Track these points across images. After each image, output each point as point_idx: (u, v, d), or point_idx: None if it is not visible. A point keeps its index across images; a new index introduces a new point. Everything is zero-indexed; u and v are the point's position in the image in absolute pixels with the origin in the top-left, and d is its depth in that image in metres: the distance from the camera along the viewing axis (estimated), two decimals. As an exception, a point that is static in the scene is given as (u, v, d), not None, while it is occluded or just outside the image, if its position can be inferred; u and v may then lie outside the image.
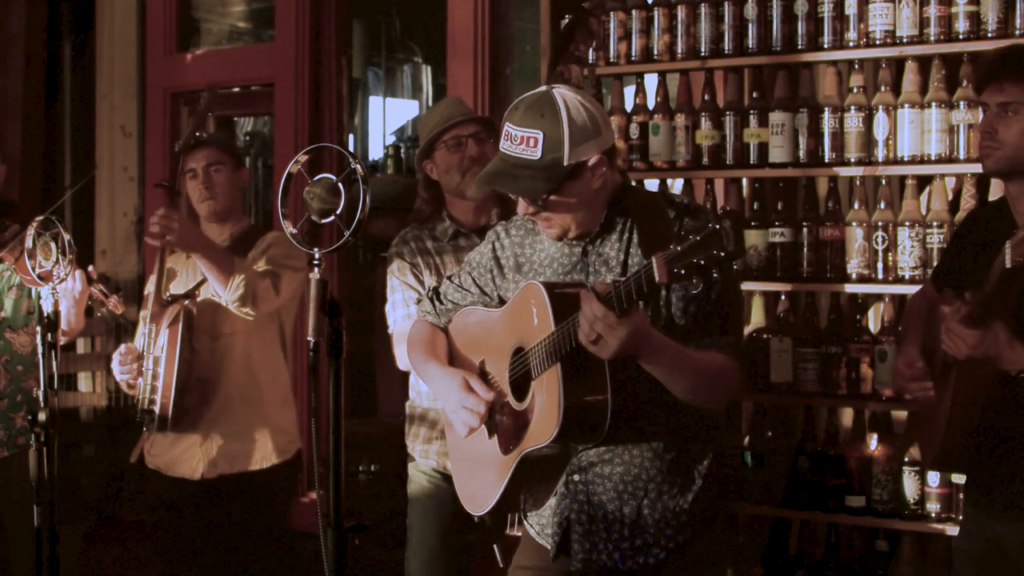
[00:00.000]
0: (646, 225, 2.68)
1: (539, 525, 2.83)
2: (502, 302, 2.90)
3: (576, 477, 2.73)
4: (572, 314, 2.50)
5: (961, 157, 3.73)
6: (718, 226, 2.24)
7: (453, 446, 3.04)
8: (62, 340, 3.88)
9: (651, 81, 4.31)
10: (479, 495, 2.90)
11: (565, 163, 2.59)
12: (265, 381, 3.85)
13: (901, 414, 3.85)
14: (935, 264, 3.11)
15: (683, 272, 2.27)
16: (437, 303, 3.05)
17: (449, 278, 3.05)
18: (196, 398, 3.73)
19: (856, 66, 3.96)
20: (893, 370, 2.90)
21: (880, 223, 3.85)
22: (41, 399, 3.18)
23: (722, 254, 2.24)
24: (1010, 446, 2.61)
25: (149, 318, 3.68)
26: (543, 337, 2.60)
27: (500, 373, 2.81)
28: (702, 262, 2.25)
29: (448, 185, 3.62)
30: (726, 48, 4.08)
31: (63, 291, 3.65)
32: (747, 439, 4.09)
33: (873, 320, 4.03)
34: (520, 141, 2.60)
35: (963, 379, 2.54)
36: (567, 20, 4.10)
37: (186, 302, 3.67)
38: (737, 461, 4.03)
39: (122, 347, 3.73)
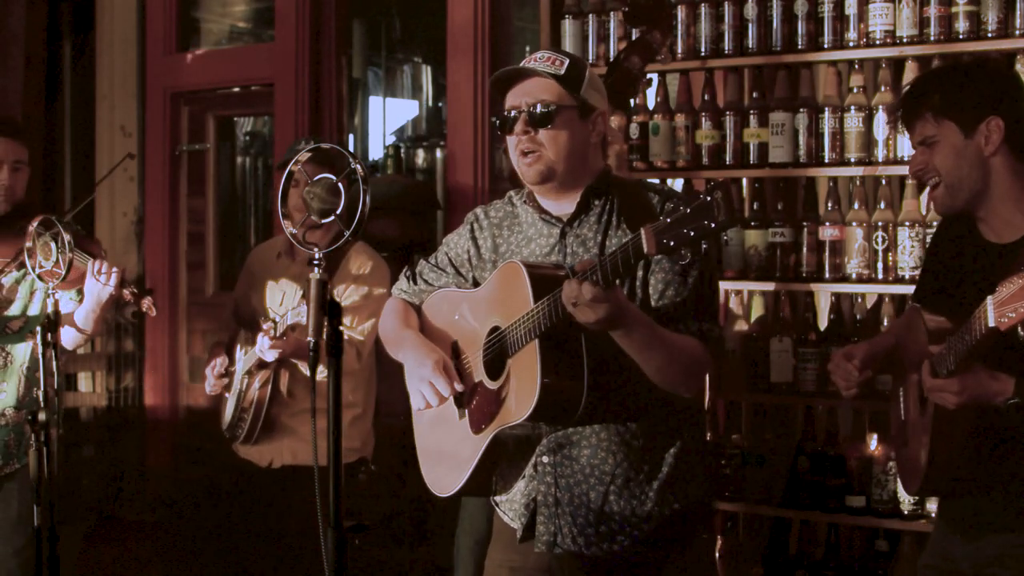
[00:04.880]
0: (628, 209, 2.71)
1: (511, 511, 2.83)
2: (477, 285, 2.89)
3: (545, 459, 2.73)
4: (551, 294, 2.51)
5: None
6: (709, 197, 2.23)
7: (420, 429, 3.01)
8: (79, 345, 3.86)
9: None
10: (446, 477, 2.89)
11: (581, 92, 2.71)
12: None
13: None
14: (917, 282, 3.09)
15: (672, 244, 2.25)
16: (412, 283, 3.04)
17: (427, 259, 3.04)
18: (278, 407, 4.12)
19: (856, 66, 3.96)
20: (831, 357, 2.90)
21: (880, 223, 3.85)
22: (41, 399, 3.17)
23: (713, 225, 2.22)
24: (993, 470, 2.59)
25: (245, 371, 4.11)
26: (521, 315, 2.60)
27: (474, 353, 2.80)
28: (692, 233, 2.23)
29: None
30: (726, 48, 4.08)
31: (90, 290, 3.62)
32: (735, 437, 4.09)
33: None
34: (547, 59, 2.74)
35: (943, 409, 2.52)
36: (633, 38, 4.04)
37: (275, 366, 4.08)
38: (718, 460, 4.03)
39: (217, 363, 4.18)
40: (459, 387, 2.78)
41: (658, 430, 2.71)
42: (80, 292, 3.73)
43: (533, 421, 2.63)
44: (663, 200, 2.70)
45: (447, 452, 2.88)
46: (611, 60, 4.04)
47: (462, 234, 2.96)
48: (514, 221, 2.87)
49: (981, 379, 2.43)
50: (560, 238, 2.75)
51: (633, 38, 3.97)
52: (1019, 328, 2.20)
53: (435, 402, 2.79)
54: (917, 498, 3.76)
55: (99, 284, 3.62)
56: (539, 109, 2.69)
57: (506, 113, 2.75)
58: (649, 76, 4.07)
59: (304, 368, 4.04)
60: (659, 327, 2.57)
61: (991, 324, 2.23)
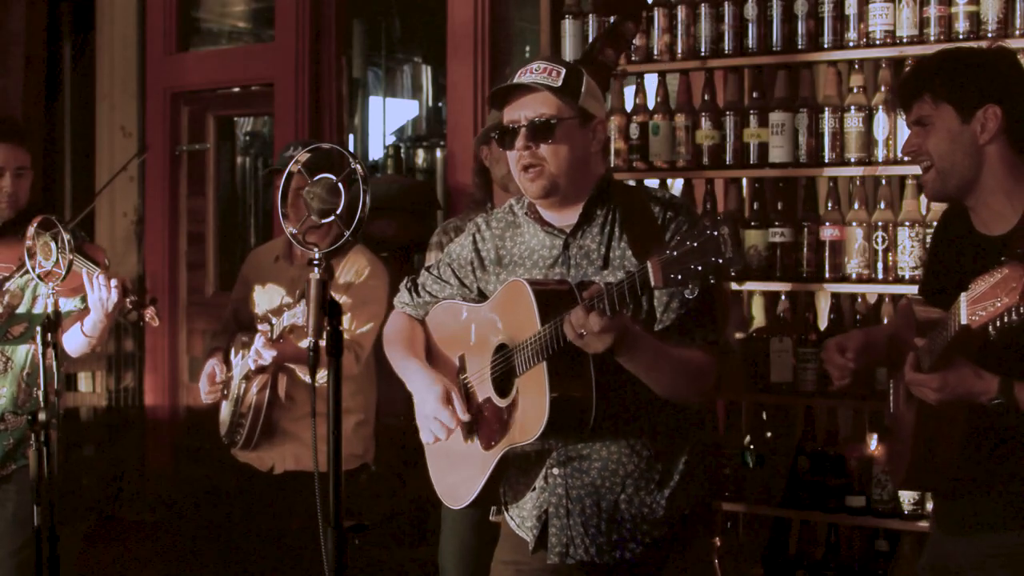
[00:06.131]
0: (631, 219, 2.70)
1: (519, 518, 2.83)
2: (481, 295, 2.89)
3: (555, 471, 2.73)
4: (557, 312, 2.51)
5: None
6: (716, 232, 2.23)
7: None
8: (85, 353, 3.85)
9: (651, 81, 4.31)
10: (458, 489, 2.90)
11: (580, 101, 2.68)
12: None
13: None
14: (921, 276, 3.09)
15: (679, 277, 2.27)
16: (415, 295, 3.02)
17: (428, 269, 3.02)
18: (278, 412, 4.07)
19: (856, 66, 3.96)
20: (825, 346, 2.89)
21: (880, 223, 3.85)
22: (41, 399, 3.16)
23: (720, 261, 2.23)
24: (979, 467, 2.59)
25: (242, 375, 4.06)
26: (528, 335, 2.60)
27: (481, 369, 2.80)
28: (699, 268, 2.25)
29: (495, 175, 3.65)
30: (726, 48, 4.08)
31: (94, 302, 3.59)
32: (747, 439, 4.09)
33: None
34: (543, 71, 2.70)
35: (926, 403, 2.52)
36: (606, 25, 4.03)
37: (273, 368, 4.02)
38: (719, 460, 4.03)
39: (211, 368, 4.11)
40: (465, 417, 2.78)
41: (667, 438, 2.72)
42: (84, 300, 3.72)
43: (543, 440, 2.63)
44: (664, 211, 2.70)
45: (457, 462, 2.89)
46: (584, 53, 4.03)
47: (464, 244, 2.94)
48: (516, 231, 2.86)
49: (965, 377, 2.41)
50: (563, 249, 2.75)
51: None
52: (990, 326, 2.19)
53: (443, 435, 2.79)
54: (917, 498, 3.76)
55: (103, 294, 3.59)
56: (539, 124, 2.67)
57: (505, 127, 2.73)
58: (621, 68, 4.07)
59: (302, 373, 4.00)
60: (664, 345, 2.58)
61: (963, 321, 2.22)
